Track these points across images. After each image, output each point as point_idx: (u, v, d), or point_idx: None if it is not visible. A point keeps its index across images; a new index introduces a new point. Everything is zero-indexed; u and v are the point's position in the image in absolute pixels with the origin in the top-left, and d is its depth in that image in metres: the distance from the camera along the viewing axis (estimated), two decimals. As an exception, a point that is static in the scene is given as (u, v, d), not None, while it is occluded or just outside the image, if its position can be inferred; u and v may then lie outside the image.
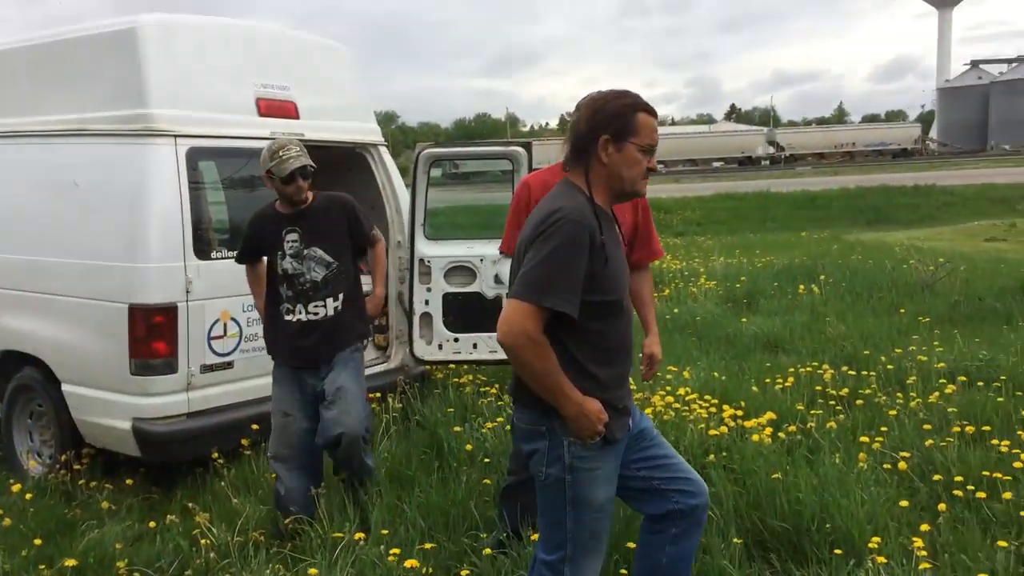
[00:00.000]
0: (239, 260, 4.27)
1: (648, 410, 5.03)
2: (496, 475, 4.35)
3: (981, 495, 3.90)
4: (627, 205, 3.34)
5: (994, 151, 63.91)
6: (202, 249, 4.68)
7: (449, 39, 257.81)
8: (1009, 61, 78.83)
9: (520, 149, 5.92)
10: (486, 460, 4.57)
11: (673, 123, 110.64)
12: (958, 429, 4.69)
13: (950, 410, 5.01)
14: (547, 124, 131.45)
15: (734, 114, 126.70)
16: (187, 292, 4.57)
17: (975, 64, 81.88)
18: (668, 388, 5.56)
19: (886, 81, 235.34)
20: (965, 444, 4.51)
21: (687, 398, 5.24)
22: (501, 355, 3.63)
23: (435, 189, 6.19)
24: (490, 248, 5.61)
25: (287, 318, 4.09)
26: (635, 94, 2.60)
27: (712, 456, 4.36)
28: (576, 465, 2.55)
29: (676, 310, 8.94)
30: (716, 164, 61.88)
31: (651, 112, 2.58)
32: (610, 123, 2.52)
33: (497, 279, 5.67)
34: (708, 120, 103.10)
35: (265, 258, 4.19)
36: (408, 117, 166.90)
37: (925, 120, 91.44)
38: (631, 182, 2.58)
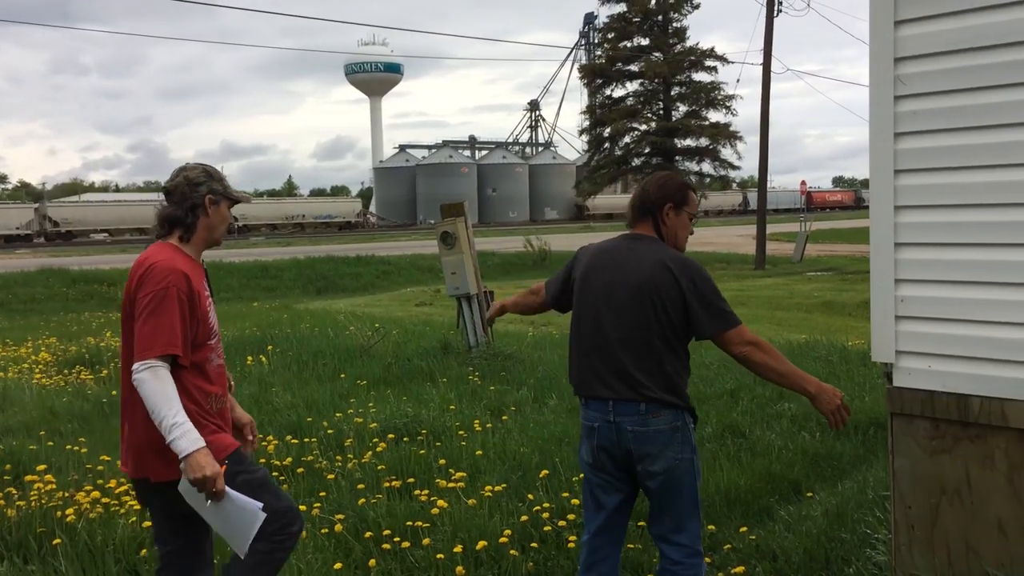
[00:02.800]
0: None
1: (70, 510, 4.51)
2: None
3: (405, 544, 4.23)
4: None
5: (422, 225, 72.43)
6: None
7: None
8: (429, 147, 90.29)
9: None
10: None
11: (118, 190, 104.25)
12: (387, 484, 5.06)
13: (380, 467, 5.39)
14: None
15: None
16: None
17: (403, 148, 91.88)
18: (100, 481, 5.05)
19: (330, 158, 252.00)
20: (393, 498, 4.88)
21: (117, 491, 4.82)
22: None
23: None
24: None
25: None
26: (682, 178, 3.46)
27: (144, 551, 4.05)
28: (695, 444, 3.15)
29: (114, 392, 8.24)
30: (167, 233, 59.63)
31: (695, 190, 3.42)
32: (673, 195, 3.24)
33: None
34: (157, 187, 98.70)
35: None
36: None
37: (365, 196, 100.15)
38: (683, 239, 3.31)
